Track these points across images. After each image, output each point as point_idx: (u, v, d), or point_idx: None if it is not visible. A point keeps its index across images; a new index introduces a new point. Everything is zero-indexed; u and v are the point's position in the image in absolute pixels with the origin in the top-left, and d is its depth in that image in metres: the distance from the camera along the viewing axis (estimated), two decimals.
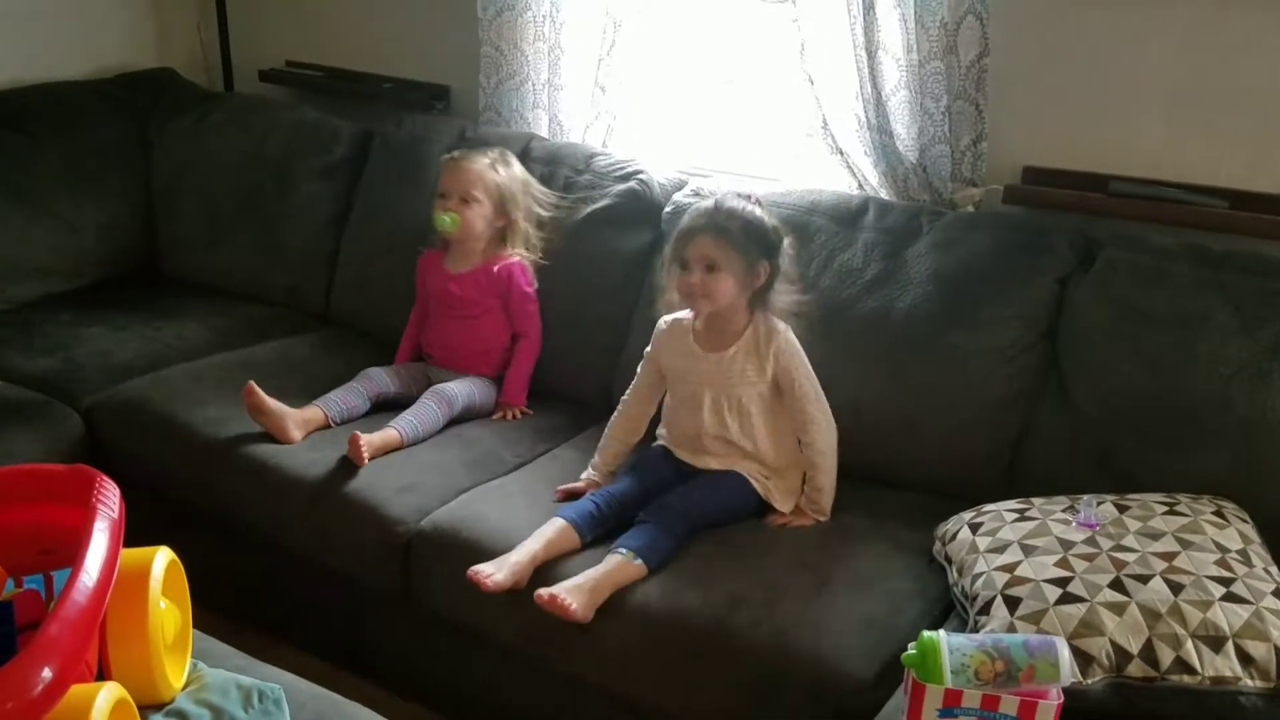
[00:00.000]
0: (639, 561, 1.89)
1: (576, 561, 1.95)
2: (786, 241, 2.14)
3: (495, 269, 2.51)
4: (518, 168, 2.58)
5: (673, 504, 2.00)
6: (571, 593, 1.83)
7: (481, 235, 2.51)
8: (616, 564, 1.88)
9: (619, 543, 1.92)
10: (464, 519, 2.08)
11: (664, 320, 2.22)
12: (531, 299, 2.54)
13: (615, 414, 2.26)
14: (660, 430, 2.24)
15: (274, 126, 3.14)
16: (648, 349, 2.24)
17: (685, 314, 2.18)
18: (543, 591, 1.83)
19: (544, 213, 2.58)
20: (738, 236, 2.06)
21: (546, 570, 1.93)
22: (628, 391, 2.26)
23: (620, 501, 2.05)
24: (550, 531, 1.97)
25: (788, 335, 2.11)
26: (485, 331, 2.54)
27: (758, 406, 2.11)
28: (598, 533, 2.00)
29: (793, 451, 2.15)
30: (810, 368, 2.12)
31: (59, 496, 1.36)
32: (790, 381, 2.10)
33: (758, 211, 2.11)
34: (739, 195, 2.15)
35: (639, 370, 2.25)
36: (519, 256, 2.53)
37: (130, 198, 3.19)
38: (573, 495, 2.12)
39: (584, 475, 2.19)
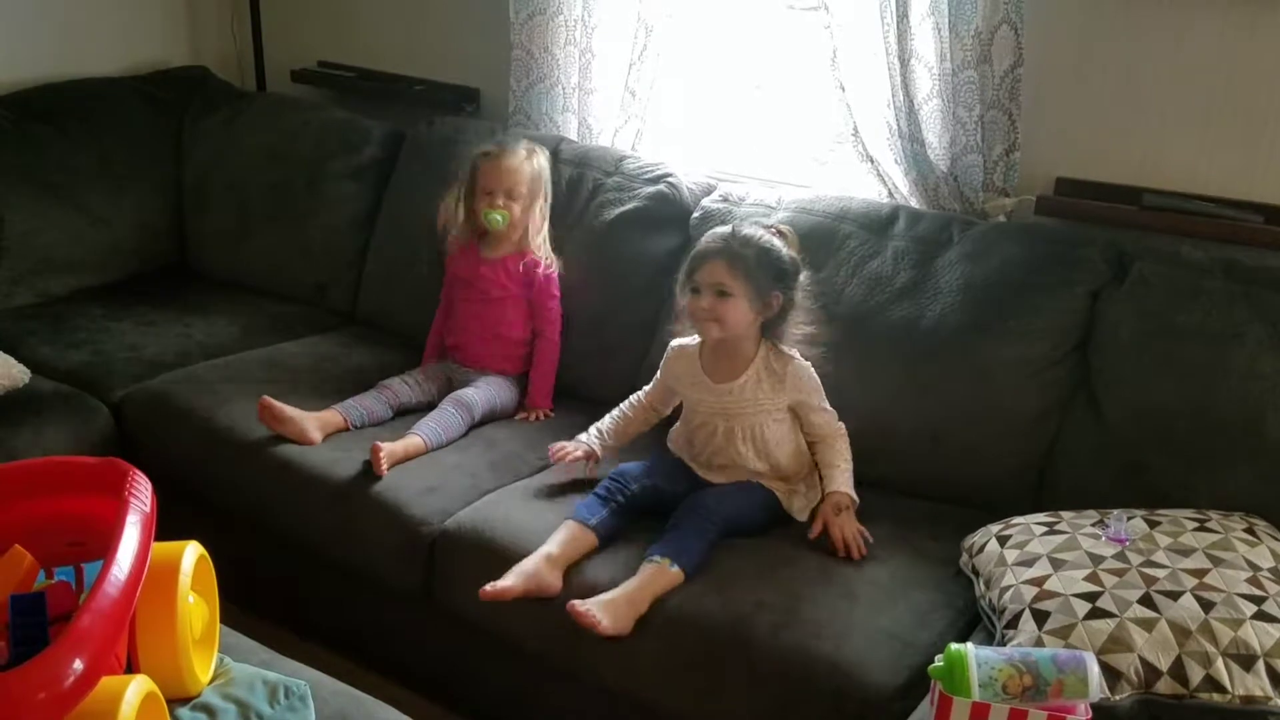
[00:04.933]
0: (675, 568, 1.88)
1: (598, 561, 1.96)
2: (804, 275, 2.12)
3: (523, 260, 2.52)
4: (546, 159, 2.58)
5: (700, 508, 2.00)
6: (605, 608, 1.82)
7: (520, 225, 2.52)
8: (652, 573, 1.87)
9: (652, 550, 1.91)
10: (487, 520, 2.08)
11: (674, 344, 2.21)
12: (553, 295, 2.54)
13: (628, 400, 2.27)
14: (671, 442, 2.23)
15: (305, 126, 3.16)
16: (661, 364, 2.23)
17: (693, 340, 2.17)
18: (577, 604, 1.82)
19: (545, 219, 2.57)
20: (751, 264, 2.03)
21: (574, 573, 1.94)
22: (641, 391, 2.28)
23: (622, 485, 2.05)
24: (563, 534, 1.97)
25: (799, 363, 2.10)
26: (509, 319, 2.54)
27: (772, 431, 2.11)
28: (605, 519, 2.00)
29: (809, 464, 2.15)
30: (821, 390, 2.11)
31: (91, 489, 1.37)
32: (807, 409, 2.11)
33: (776, 241, 2.08)
34: (760, 224, 2.15)
35: (653, 380, 2.26)
36: (545, 252, 2.54)
37: (161, 194, 3.22)
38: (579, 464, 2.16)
39: (583, 438, 2.19)
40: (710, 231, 2.15)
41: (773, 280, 2.05)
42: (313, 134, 3.13)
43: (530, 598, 1.90)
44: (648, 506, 2.04)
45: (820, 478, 2.12)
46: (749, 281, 2.02)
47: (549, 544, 1.96)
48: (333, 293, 3.06)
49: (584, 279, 2.58)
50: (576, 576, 1.93)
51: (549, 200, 2.56)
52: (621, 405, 2.28)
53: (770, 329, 2.10)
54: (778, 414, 2.10)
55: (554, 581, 1.92)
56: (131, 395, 2.55)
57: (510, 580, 1.90)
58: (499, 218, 2.47)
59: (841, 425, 2.13)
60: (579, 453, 2.18)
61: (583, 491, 2.12)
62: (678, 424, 2.23)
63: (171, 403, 2.49)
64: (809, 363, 2.11)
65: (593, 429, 2.24)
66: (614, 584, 1.88)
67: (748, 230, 2.08)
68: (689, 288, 2.08)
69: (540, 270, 2.52)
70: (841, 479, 2.07)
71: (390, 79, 3.32)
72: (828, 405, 2.13)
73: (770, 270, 2.05)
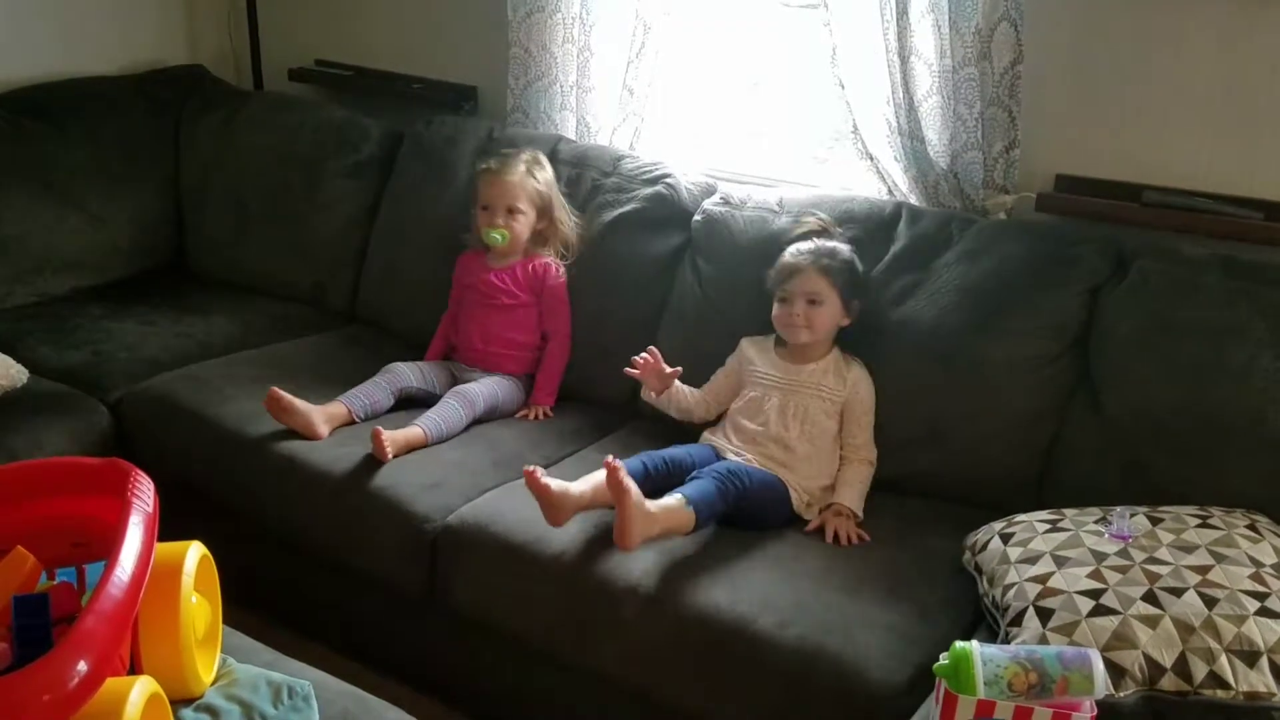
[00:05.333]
0: (690, 509, 1.93)
1: (609, 535, 1.94)
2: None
3: (532, 265, 2.54)
4: (549, 169, 2.60)
5: (725, 469, 2.05)
6: (638, 507, 1.87)
7: (523, 241, 2.55)
8: (673, 505, 1.92)
9: (675, 490, 1.97)
10: (490, 516, 2.08)
11: (746, 339, 2.33)
12: (564, 300, 2.56)
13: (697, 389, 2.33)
14: (710, 436, 2.26)
15: (303, 125, 3.15)
16: (730, 358, 2.32)
17: (768, 336, 2.29)
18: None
19: (570, 217, 2.60)
20: (840, 274, 2.19)
21: (562, 560, 1.95)
22: (703, 388, 2.34)
23: (668, 467, 2.10)
24: (597, 478, 1.98)
25: (863, 370, 2.23)
26: (518, 323, 2.55)
27: (821, 423, 2.18)
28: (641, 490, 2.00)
29: (829, 477, 2.18)
30: (873, 412, 2.20)
31: (93, 490, 1.37)
32: (858, 413, 2.20)
33: (851, 251, 2.24)
34: (835, 231, 2.30)
35: (717, 373, 2.33)
36: (553, 259, 2.56)
37: (159, 193, 3.21)
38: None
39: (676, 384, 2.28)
40: (794, 246, 2.27)
41: (854, 291, 2.22)
42: (311, 133, 3.12)
43: (545, 500, 1.93)
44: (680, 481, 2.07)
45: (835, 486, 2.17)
46: (837, 291, 2.18)
47: (584, 481, 1.98)
48: (331, 292, 3.05)
49: (583, 280, 2.58)
50: (566, 567, 1.95)
51: (561, 205, 2.58)
52: (693, 390, 2.34)
53: (843, 335, 2.24)
54: (830, 408, 2.19)
55: (564, 515, 1.95)
56: (130, 395, 2.54)
57: (554, 484, 1.93)
58: (498, 236, 2.50)
59: (873, 456, 2.19)
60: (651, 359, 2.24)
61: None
62: (725, 418, 2.28)
63: (171, 402, 2.49)
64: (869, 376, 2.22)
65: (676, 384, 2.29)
66: (622, 568, 1.90)
67: (831, 243, 2.24)
68: (778, 298, 2.20)
69: (552, 275, 2.54)
70: (850, 494, 2.13)
71: (388, 77, 3.31)
72: (872, 430, 2.20)
73: (853, 281, 2.22)
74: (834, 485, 2.16)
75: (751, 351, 2.29)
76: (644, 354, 2.25)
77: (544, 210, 2.55)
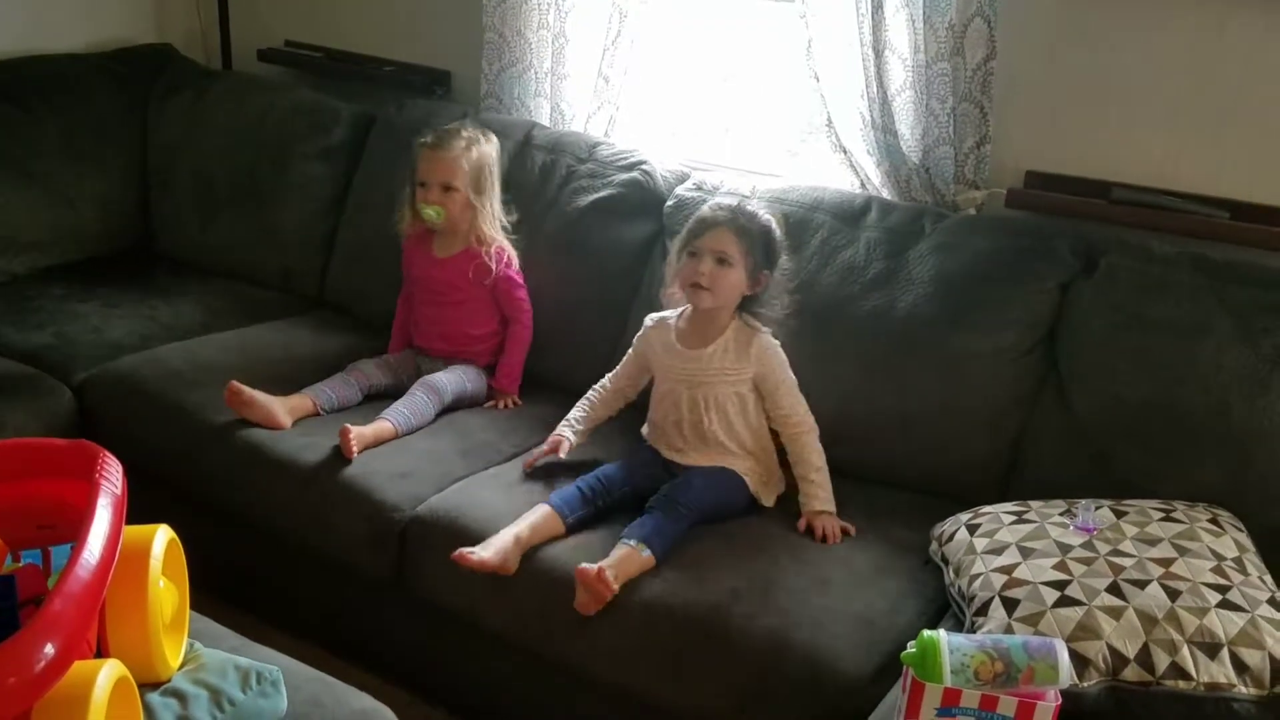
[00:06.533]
0: (648, 553, 1.89)
1: (560, 546, 1.96)
2: (784, 258, 2.18)
3: (480, 253, 2.47)
4: (493, 151, 2.51)
5: (675, 494, 2.01)
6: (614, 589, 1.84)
7: (464, 218, 2.48)
8: (625, 554, 1.88)
9: (626, 533, 1.93)
10: (459, 505, 2.07)
11: (650, 318, 2.25)
12: (518, 284, 2.52)
13: (594, 388, 2.29)
14: (645, 428, 2.25)
15: (272, 107, 3.12)
16: (635, 338, 2.26)
17: (672, 314, 2.21)
18: (588, 567, 1.83)
19: (495, 208, 2.51)
20: (756, 239, 2.10)
21: (533, 555, 1.94)
22: (607, 377, 2.29)
23: (606, 488, 2.06)
24: (534, 516, 1.98)
25: (768, 339, 2.13)
26: (472, 317, 2.52)
27: (734, 405, 2.13)
28: (581, 517, 2.01)
29: (768, 445, 2.16)
30: (790, 370, 2.13)
31: (60, 471, 1.35)
32: (772, 385, 2.13)
33: (774, 222, 2.15)
34: (758, 202, 2.20)
35: (623, 359, 2.28)
36: (500, 242, 2.50)
37: (126, 174, 3.17)
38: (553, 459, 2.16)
39: (559, 432, 2.20)
40: (714, 201, 2.20)
41: (766, 259, 2.12)
42: (280, 115, 3.09)
43: (488, 573, 1.91)
44: (624, 509, 2.04)
45: (795, 479, 2.14)
46: (749, 255, 2.08)
47: (520, 524, 1.97)
48: (299, 276, 3.03)
49: (555, 266, 2.57)
50: (532, 555, 1.95)
51: (497, 189, 2.50)
52: (588, 394, 2.29)
53: (746, 305, 2.14)
54: (741, 386, 2.12)
55: (514, 562, 1.93)
56: (94, 378, 2.51)
57: (489, 553, 1.91)
58: (433, 213, 2.43)
59: (812, 420, 2.14)
60: (546, 448, 2.18)
61: (553, 478, 2.12)
62: (650, 408, 2.24)
63: (136, 386, 2.46)
64: (778, 342, 2.14)
65: (564, 421, 2.24)
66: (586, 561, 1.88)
67: (753, 207, 2.15)
68: (688, 251, 2.11)
69: (499, 264, 2.48)
70: (819, 496, 2.07)
71: (359, 60, 3.28)
72: (799, 395, 2.14)
73: (766, 249, 2.12)
74: (783, 459, 2.14)
75: (654, 337, 2.20)
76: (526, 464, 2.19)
77: (478, 185, 2.45)
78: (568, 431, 2.21)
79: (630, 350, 2.27)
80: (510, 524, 1.97)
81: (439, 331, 2.54)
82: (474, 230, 2.48)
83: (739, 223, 2.09)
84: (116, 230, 3.16)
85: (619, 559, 1.87)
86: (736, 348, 2.12)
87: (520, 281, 2.52)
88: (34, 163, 2.97)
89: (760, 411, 2.15)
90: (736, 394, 2.12)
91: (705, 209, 2.16)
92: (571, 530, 2.00)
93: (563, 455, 2.17)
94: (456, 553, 1.92)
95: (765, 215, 2.15)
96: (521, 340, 2.53)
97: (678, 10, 2.83)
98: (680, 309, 2.20)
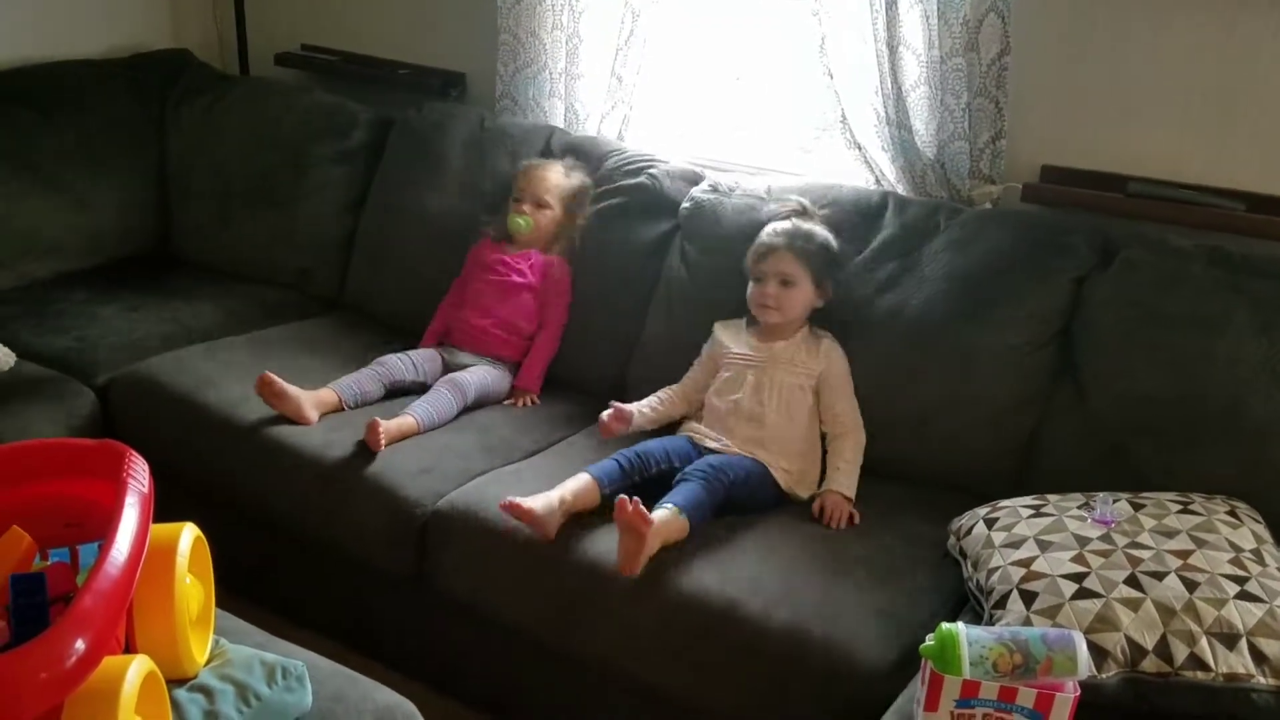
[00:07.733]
0: (684, 517, 1.93)
1: (582, 540, 1.97)
2: (848, 263, 2.29)
3: (544, 256, 2.61)
4: (584, 180, 2.66)
5: (708, 467, 2.04)
6: (654, 536, 1.86)
7: (549, 233, 2.63)
8: (665, 516, 1.91)
9: (666, 498, 1.96)
10: (480, 501, 2.08)
11: (719, 324, 2.34)
12: (565, 294, 2.60)
13: (666, 389, 2.33)
14: (688, 424, 2.28)
15: (289, 110, 3.14)
16: (704, 346, 2.32)
17: (740, 319, 2.32)
18: (624, 499, 1.85)
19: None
20: (815, 255, 2.21)
21: (552, 549, 1.96)
22: (678, 384, 2.34)
23: (644, 463, 2.09)
24: (575, 484, 2.01)
25: (835, 343, 2.25)
26: (520, 307, 2.58)
27: (796, 397, 2.19)
28: (618, 489, 2.02)
29: (814, 450, 2.19)
30: (851, 381, 2.21)
31: (88, 471, 1.37)
32: (835, 384, 2.22)
33: (832, 236, 2.25)
34: (812, 212, 2.30)
35: (693, 365, 2.34)
36: (559, 255, 2.62)
37: (144, 178, 3.20)
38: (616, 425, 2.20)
39: (631, 408, 2.23)
40: (771, 225, 2.29)
41: (829, 272, 2.23)
42: (298, 118, 3.11)
43: (533, 524, 1.94)
44: (661, 486, 2.06)
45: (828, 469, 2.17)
46: (811, 272, 2.20)
47: (563, 488, 2.00)
48: (317, 278, 3.04)
49: (570, 269, 2.60)
50: (557, 554, 1.96)
51: (582, 218, 2.62)
52: (659, 392, 2.33)
53: (816, 315, 2.25)
54: (806, 381, 2.20)
55: (554, 526, 1.96)
56: (117, 379, 2.53)
57: (537, 504, 1.94)
58: (522, 223, 2.58)
59: (860, 423, 2.20)
60: (612, 418, 2.21)
61: (578, 466, 2.13)
62: (705, 398, 2.29)
63: (158, 386, 2.48)
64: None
65: (637, 405, 2.27)
66: (610, 551, 1.89)
67: (809, 225, 2.26)
68: (753, 276, 2.24)
69: (558, 267, 2.60)
70: (841, 479, 2.13)
71: (375, 63, 3.30)
72: (855, 401, 2.21)
73: (828, 262, 2.23)
74: (822, 464, 2.17)
75: (724, 335, 2.31)
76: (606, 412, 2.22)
77: (568, 210, 2.62)
78: (637, 410, 2.25)
79: (698, 359, 2.34)
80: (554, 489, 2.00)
81: (483, 310, 2.59)
82: (554, 245, 2.62)
83: (796, 244, 2.21)
84: (136, 234, 3.18)
85: (659, 518, 1.89)
86: (807, 347, 2.23)
87: (570, 297, 2.60)
88: (53, 167, 3.00)
89: (815, 416, 2.21)
90: (799, 387, 2.19)
91: (763, 234, 2.27)
92: (606, 502, 1.99)
93: (627, 429, 2.22)
94: (505, 501, 1.95)
95: (822, 231, 2.25)
96: (550, 345, 2.59)
97: (690, 9, 2.84)
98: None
